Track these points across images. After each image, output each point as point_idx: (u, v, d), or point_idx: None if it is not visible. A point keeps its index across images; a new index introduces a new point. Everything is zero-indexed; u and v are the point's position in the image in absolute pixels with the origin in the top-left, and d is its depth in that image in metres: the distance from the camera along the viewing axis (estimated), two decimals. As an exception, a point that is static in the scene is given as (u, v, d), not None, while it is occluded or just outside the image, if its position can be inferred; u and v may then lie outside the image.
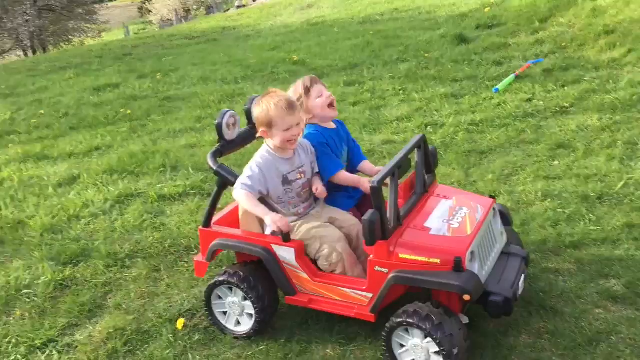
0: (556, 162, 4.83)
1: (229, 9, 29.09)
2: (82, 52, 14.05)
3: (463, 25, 10.14)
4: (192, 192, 4.95)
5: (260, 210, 2.99)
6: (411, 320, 2.64)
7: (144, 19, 46.06)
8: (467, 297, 2.54)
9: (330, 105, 3.29)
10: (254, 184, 3.00)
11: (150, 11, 42.42)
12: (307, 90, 3.24)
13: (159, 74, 9.60)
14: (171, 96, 8.26)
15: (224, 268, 3.27)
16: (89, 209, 4.78)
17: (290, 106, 3.02)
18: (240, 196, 3.01)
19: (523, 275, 2.90)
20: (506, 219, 3.26)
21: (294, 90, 3.29)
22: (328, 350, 3.01)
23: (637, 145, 4.92)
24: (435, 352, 2.64)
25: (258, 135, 3.15)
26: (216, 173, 3.12)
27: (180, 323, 3.28)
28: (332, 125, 3.37)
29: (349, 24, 12.82)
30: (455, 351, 2.58)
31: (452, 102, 6.63)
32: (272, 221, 2.93)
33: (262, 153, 3.11)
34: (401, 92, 7.27)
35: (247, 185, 2.99)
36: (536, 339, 2.94)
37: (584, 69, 7.08)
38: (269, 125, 3.01)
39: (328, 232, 3.05)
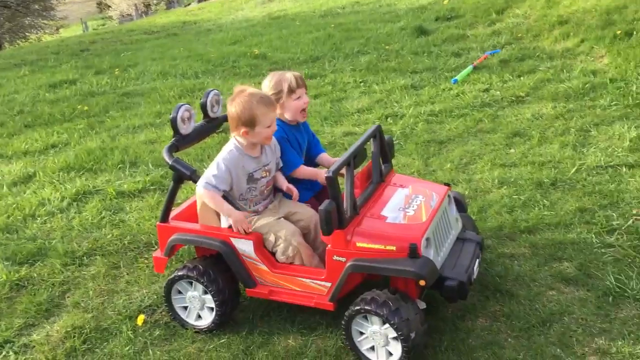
0: (512, 150, 4.94)
1: (189, 4, 28.73)
2: (38, 48, 13.69)
3: (422, 18, 10.25)
4: (152, 188, 4.90)
5: (226, 210, 2.99)
6: (369, 307, 2.68)
7: (103, 15, 45.16)
8: (422, 283, 2.59)
9: (303, 110, 3.29)
10: (219, 184, 2.97)
11: (109, 6, 41.64)
12: (291, 90, 3.19)
13: (117, 69, 9.44)
14: (130, 92, 8.13)
15: (184, 263, 3.25)
16: (45, 208, 4.69)
17: (272, 102, 3.00)
18: (205, 195, 2.99)
19: (478, 260, 2.97)
20: (461, 206, 3.33)
21: (275, 83, 3.20)
22: (290, 341, 3.03)
23: (589, 132, 5.07)
24: (394, 338, 2.69)
25: (235, 135, 3.05)
26: (172, 168, 3.09)
27: (140, 319, 3.25)
28: (295, 123, 3.37)
29: (310, 17, 12.82)
30: (413, 335, 2.62)
31: (411, 94, 6.70)
32: (235, 224, 2.99)
33: (230, 149, 3.04)
34: (362, 84, 7.32)
35: (212, 185, 2.96)
36: (492, 321, 3.01)
37: (539, 59, 7.24)
38: (252, 123, 2.93)
39: (283, 227, 3.06)
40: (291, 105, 3.23)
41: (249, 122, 2.93)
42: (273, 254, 3.08)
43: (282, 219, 3.13)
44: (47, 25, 29.79)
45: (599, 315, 2.98)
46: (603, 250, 3.45)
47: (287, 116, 3.28)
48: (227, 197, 3.04)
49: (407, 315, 2.63)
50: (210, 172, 2.98)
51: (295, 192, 3.17)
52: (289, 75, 3.21)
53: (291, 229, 3.05)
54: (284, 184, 3.20)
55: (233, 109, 2.97)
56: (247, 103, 2.92)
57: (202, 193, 2.99)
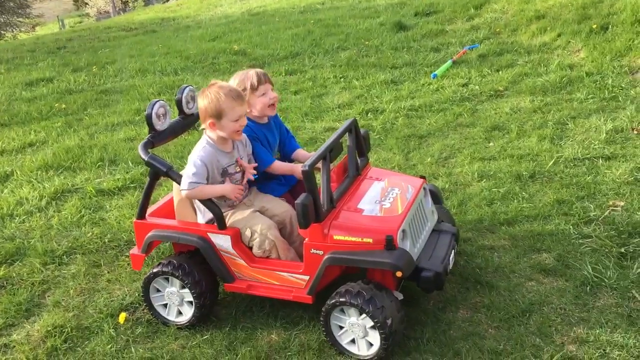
0: (491, 144, 4.99)
1: (168, 0, 28.49)
2: (14, 46, 13.47)
3: (402, 13, 10.30)
4: (132, 185, 4.87)
5: (218, 190, 3.04)
6: (343, 299, 2.71)
7: (80, 12, 44.60)
8: (399, 274, 2.62)
9: (272, 105, 3.29)
10: (199, 179, 2.98)
11: (86, 3, 41.10)
12: (254, 87, 3.20)
13: (95, 67, 9.34)
14: (108, 89, 8.05)
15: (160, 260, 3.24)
16: (23, 207, 4.63)
17: (240, 96, 3.01)
18: (192, 194, 2.99)
19: (453, 251, 3.01)
20: (437, 198, 3.37)
21: (239, 82, 3.22)
22: (273, 336, 3.04)
23: (567, 125, 5.14)
24: (371, 327, 2.71)
25: (203, 127, 3.08)
26: (147, 164, 3.07)
27: (122, 317, 3.23)
28: (265, 120, 3.37)
29: (289, 13, 12.80)
30: (389, 322, 2.65)
31: (391, 89, 6.74)
32: (232, 195, 3.06)
33: (203, 145, 3.07)
34: (342, 79, 7.34)
35: (195, 182, 2.97)
36: (473, 313, 3.05)
37: (517, 53, 7.33)
38: (219, 116, 2.97)
39: (258, 221, 3.07)
40: (256, 102, 3.24)
41: (215, 114, 2.97)
42: (250, 248, 3.08)
43: (258, 212, 3.14)
44: (22, 23, 29.34)
45: (577, 304, 3.03)
46: (581, 241, 3.51)
47: (255, 113, 3.28)
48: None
49: (382, 302, 2.66)
50: (189, 172, 2.99)
51: (247, 167, 3.15)
52: (252, 73, 3.23)
53: (267, 222, 3.07)
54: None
55: (202, 101, 3.01)
56: (215, 95, 2.96)
57: (188, 194, 2.99)
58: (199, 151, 3.04)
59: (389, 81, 6.98)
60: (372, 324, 2.69)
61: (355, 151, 3.15)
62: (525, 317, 2.98)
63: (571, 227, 3.65)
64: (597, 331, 2.83)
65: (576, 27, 7.40)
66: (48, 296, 3.56)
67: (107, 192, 4.79)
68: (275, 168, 3.27)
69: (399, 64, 7.60)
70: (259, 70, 3.27)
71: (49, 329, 3.22)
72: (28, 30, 29.86)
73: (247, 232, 3.05)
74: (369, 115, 6.00)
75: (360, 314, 2.71)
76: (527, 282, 3.23)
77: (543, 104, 5.68)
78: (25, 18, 29.30)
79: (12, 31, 28.58)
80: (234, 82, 3.24)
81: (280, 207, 3.21)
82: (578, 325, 2.89)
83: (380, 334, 2.68)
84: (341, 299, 2.72)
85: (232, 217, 3.11)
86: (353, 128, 3.11)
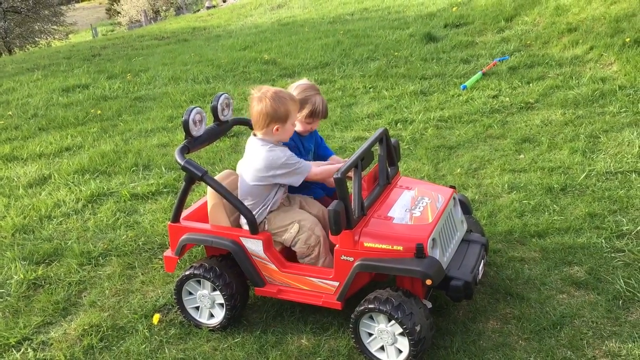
0: (522, 156, 4.98)
1: (199, 10, 28.94)
2: (50, 53, 13.82)
3: (431, 25, 10.31)
4: (165, 190, 4.97)
5: (328, 169, 3.09)
6: (372, 306, 2.74)
7: (112, 21, 45.45)
8: (429, 282, 2.65)
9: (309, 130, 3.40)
10: (296, 158, 3.03)
11: (118, 12, 41.87)
12: (313, 115, 3.27)
13: (129, 74, 9.53)
14: (142, 96, 8.21)
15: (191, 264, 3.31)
16: (60, 209, 4.76)
17: (297, 101, 3.12)
18: (316, 170, 3.04)
19: (483, 261, 3.03)
20: (466, 208, 3.39)
21: (301, 100, 3.23)
22: (303, 341, 3.08)
23: (599, 139, 5.10)
24: (400, 334, 2.74)
25: (263, 133, 3.06)
26: (184, 168, 3.12)
27: (156, 318, 3.31)
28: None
29: (319, 23, 12.90)
30: (418, 328, 2.68)
31: (421, 99, 6.75)
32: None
33: (267, 147, 3.04)
34: (371, 90, 7.38)
35: (304, 164, 3.02)
36: (503, 324, 3.05)
37: (548, 66, 7.28)
38: (285, 119, 3.00)
39: (305, 217, 3.13)
40: (302, 125, 3.33)
41: (283, 118, 2.99)
42: (287, 248, 3.13)
43: (302, 210, 3.20)
44: (56, 31, 30.07)
45: (609, 318, 3.01)
46: (613, 255, 3.49)
47: (295, 129, 3.35)
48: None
49: (411, 309, 2.69)
50: (287, 160, 2.99)
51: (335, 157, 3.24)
52: (320, 103, 3.28)
53: (312, 218, 3.13)
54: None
55: (268, 105, 2.98)
56: (282, 99, 2.99)
57: (313, 173, 3.02)
58: (271, 152, 3.01)
59: (418, 92, 7.00)
60: (401, 330, 2.72)
61: (385, 160, 3.19)
62: (556, 329, 2.97)
63: (603, 240, 3.63)
64: (630, 345, 2.81)
65: (609, 41, 7.33)
66: (84, 296, 3.66)
67: (141, 196, 4.90)
68: (312, 173, 3.30)
69: (428, 75, 7.62)
70: (325, 103, 3.32)
71: (85, 327, 3.31)
72: (61, 37, 30.55)
73: (294, 227, 3.09)
74: (398, 125, 6.03)
75: (389, 321, 2.74)
76: (558, 294, 3.22)
77: (575, 116, 5.65)
78: (59, 26, 30.03)
79: (46, 38, 29.31)
80: (296, 92, 3.26)
81: (316, 207, 3.27)
82: (610, 339, 2.87)
83: (409, 341, 2.70)
84: (370, 306, 2.75)
85: (276, 217, 3.15)
86: (384, 137, 3.15)
